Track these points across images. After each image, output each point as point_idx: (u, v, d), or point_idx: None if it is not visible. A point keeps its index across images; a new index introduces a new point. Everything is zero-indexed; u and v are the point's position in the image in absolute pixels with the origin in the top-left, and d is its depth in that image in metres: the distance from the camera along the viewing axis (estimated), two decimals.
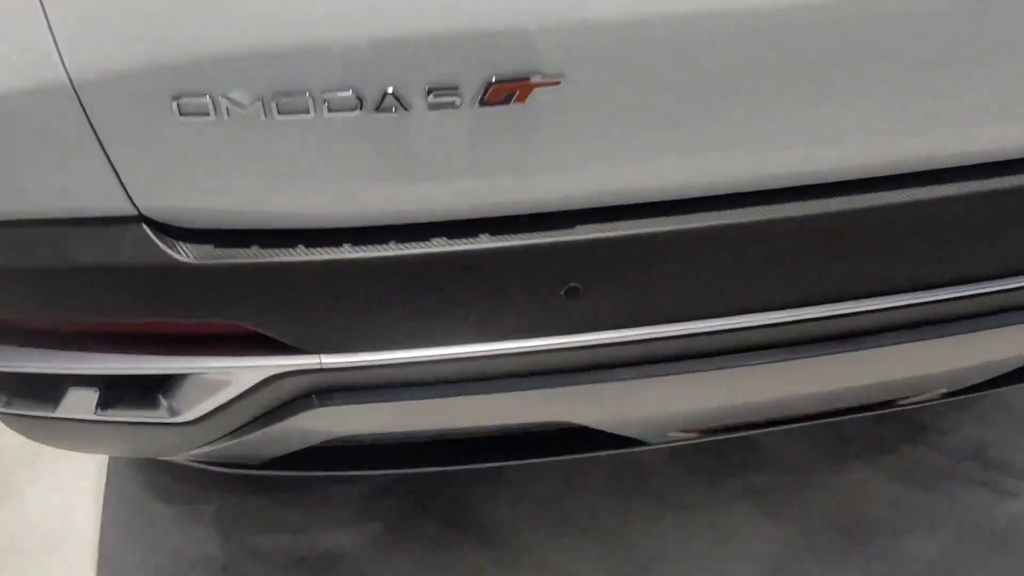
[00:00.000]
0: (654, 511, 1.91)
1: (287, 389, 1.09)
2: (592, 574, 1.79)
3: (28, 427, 1.23)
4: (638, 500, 1.94)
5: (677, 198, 1.02)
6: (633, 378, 1.10)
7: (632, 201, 1.02)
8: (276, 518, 1.95)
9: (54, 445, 1.34)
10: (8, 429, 2.04)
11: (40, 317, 1.08)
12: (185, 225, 1.01)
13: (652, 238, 1.01)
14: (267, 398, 1.10)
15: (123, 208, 1.00)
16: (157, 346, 1.08)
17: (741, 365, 1.11)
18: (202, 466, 1.37)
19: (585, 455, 1.33)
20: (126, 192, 0.99)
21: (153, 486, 2.04)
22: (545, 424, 1.22)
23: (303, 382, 1.08)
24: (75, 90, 0.92)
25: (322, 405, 1.10)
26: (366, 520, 1.94)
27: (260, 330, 1.03)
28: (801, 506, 1.91)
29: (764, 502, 1.92)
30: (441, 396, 1.10)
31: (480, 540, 1.87)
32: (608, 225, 1.01)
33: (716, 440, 1.47)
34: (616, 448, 1.31)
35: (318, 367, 1.05)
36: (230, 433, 1.18)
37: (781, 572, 1.78)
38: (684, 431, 1.30)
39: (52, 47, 0.90)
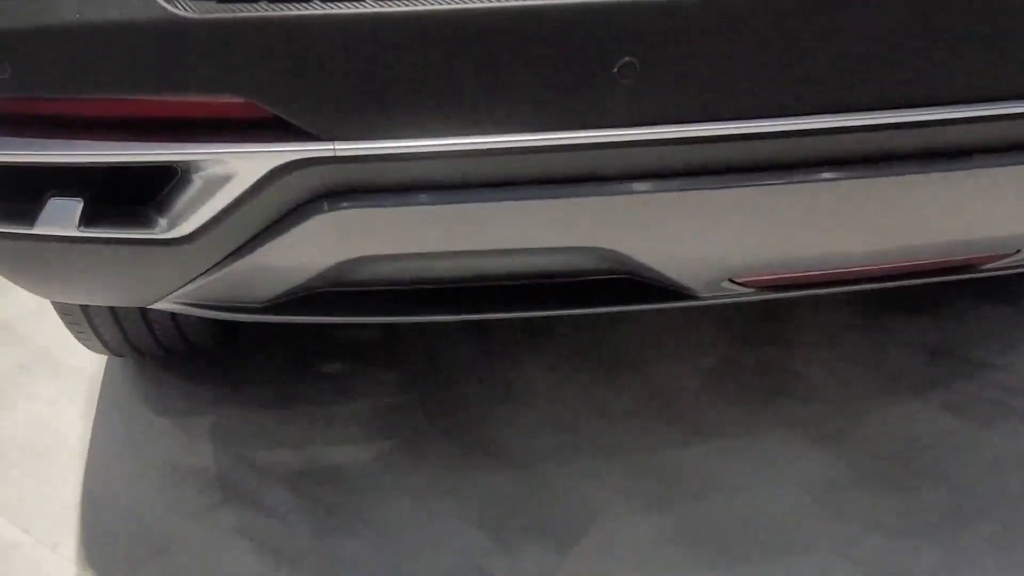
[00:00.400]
0: (685, 439, 1.77)
1: (294, 188, 0.96)
2: (617, 499, 1.64)
3: (4, 252, 1.10)
4: (668, 429, 1.79)
5: None
6: (689, 190, 0.96)
7: None
8: (276, 433, 1.81)
9: (29, 284, 1.19)
10: None
11: (17, 97, 0.95)
12: None
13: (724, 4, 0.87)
14: (271, 201, 0.97)
15: None
16: (150, 132, 0.95)
17: (820, 179, 0.96)
18: (195, 311, 1.22)
19: (623, 308, 1.17)
20: None
21: (147, 399, 1.91)
22: (580, 253, 1.06)
23: (312, 178, 0.95)
24: None
25: (332, 210, 0.97)
26: (373, 438, 1.80)
27: (266, 105, 0.90)
28: (846, 435, 1.76)
29: (805, 431, 1.77)
30: (463, 201, 0.96)
31: (497, 462, 1.73)
32: None
33: (775, 299, 1.30)
34: (661, 301, 1.16)
35: (331, 154, 0.92)
36: (230, 255, 1.04)
37: (827, 500, 1.63)
38: (740, 282, 1.14)
39: None
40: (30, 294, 2.14)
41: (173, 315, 1.74)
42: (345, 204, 0.96)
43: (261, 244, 1.01)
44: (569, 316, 2.07)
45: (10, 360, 2.05)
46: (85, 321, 1.69)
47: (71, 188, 1.02)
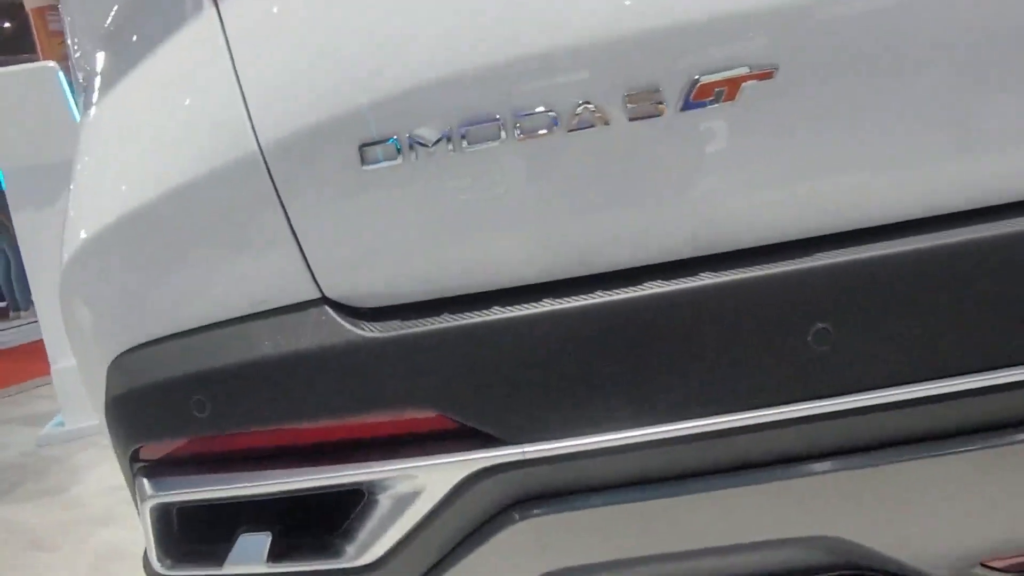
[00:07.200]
0: None
1: (483, 499, 0.91)
2: None
3: None
4: None
5: (951, 211, 0.86)
6: (914, 459, 0.87)
7: (886, 220, 0.86)
8: None
9: None
10: None
11: (214, 434, 0.98)
12: (368, 304, 0.93)
13: (913, 259, 0.84)
14: (460, 516, 0.93)
15: (306, 292, 0.93)
16: (340, 455, 0.94)
17: None
18: None
19: None
20: (310, 271, 0.92)
21: None
22: (798, 545, 0.95)
23: (502, 486, 0.91)
24: (264, 158, 0.90)
25: (524, 519, 0.91)
26: None
27: (454, 415, 0.89)
28: None
29: None
30: (664, 496, 0.89)
31: None
32: (855, 249, 0.85)
33: None
34: None
35: (521, 458, 0.88)
36: None
37: None
38: (995, 566, 0.98)
39: (244, 114, 0.90)
40: None
41: None
42: (537, 511, 0.91)
43: (452, 564, 0.95)
44: None
45: None
46: None
47: (259, 524, 1.01)
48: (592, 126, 0.84)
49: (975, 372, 0.84)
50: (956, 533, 0.94)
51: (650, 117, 0.83)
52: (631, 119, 0.83)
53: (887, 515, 0.91)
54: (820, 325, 0.84)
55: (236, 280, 0.95)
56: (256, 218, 0.92)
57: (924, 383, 0.84)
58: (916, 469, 0.87)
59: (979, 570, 0.98)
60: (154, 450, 1.02)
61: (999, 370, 0.84)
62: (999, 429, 0.86)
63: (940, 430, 0.87)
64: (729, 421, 0.86)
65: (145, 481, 1.01)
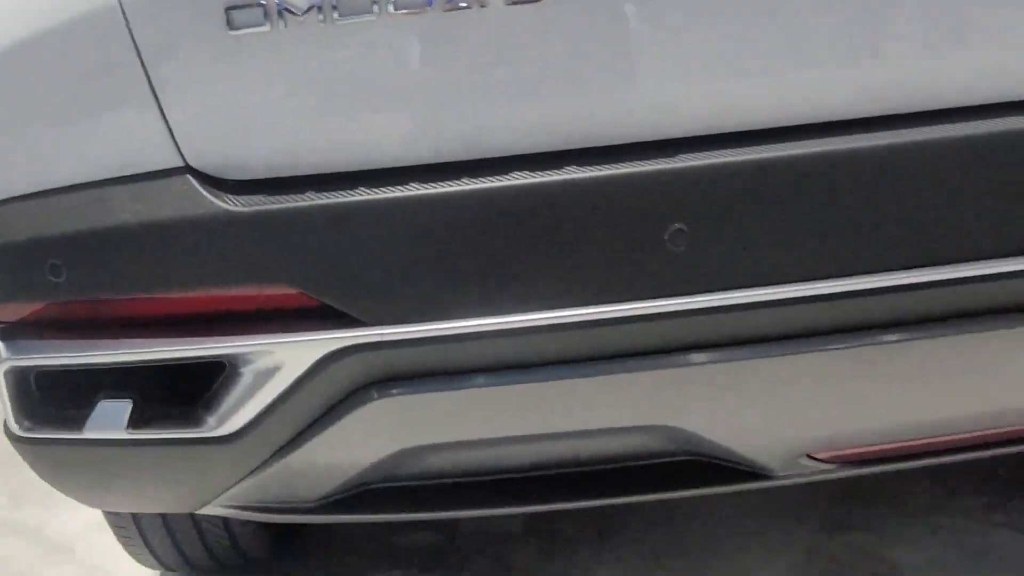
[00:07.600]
0: None
1: (342, 376, 0.93)
2: None
3: (51, 460, 1.08)
4: None
5: (814, 121, 0.87)
6: (752, 359, 0.91)
7: (754, 126, 0.87)
8: None
9: (75, 492, 1.16)
10: None
11: (70, 300, 0.96)
12: (233, 176, 0.90)
13: (775, 165, 0.85)
14: (319, 391, 0.94)
15: (168, 159, 0.90)
16: (200, 327, 0.94)
17: (890, 341, 0.90)
18: (245, 514, 1.16)
19: (694, 491, 1.09)
20: (172, 137, 0.89)
21: None
22: (641, 433, 1.00)
23: (360, 365, 0.92)
24: (124, 12, 0.85)
25: (381, 397, 0.93)
26: None
27: (314, 293, 0.89)
28: None
29: None
30: (515, 382, 0.92)
31: None
32: (716, 152, 0.86)
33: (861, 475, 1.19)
34: (734, 482, 1.07)
35: (379, 339, 0.89)
36: (279, 451, 1.00)
37: None
38: (819, 457, 1.05)
39: None
40: (86, 509, 2.13)
41: (226, 523, 1.68)
42: (394, 391, 0.93)
43: (311, 437, 0.97)
44: (639, 508, 1.96)
45: None
46: (136, 531, 1.64)
47: (119, 390, 1.00)
48: (468, 7, 0.82)
49: (814, 280, 0.88)
50: (783, 427, 1.00)
51: (528, 3, 0.81)
52: (509, 3, 0.82)
53: (721, 408, 0.96)
54: (677, 226, 0.86)
55: (96, 142, 0.91)
56: (116, 77, 0.88)
57: (768, 287, 0.88)
58: (749, 367, 0.92)
59: (805, 460, 1.05)
60: (9, 312, 1.00)
61: (835, 279, 0.88)
62: (827, 334, 0.91)
63: (777, 332, 0.91)
64: (581, 314, 0.88)
65: (0, 344, 0.98)
